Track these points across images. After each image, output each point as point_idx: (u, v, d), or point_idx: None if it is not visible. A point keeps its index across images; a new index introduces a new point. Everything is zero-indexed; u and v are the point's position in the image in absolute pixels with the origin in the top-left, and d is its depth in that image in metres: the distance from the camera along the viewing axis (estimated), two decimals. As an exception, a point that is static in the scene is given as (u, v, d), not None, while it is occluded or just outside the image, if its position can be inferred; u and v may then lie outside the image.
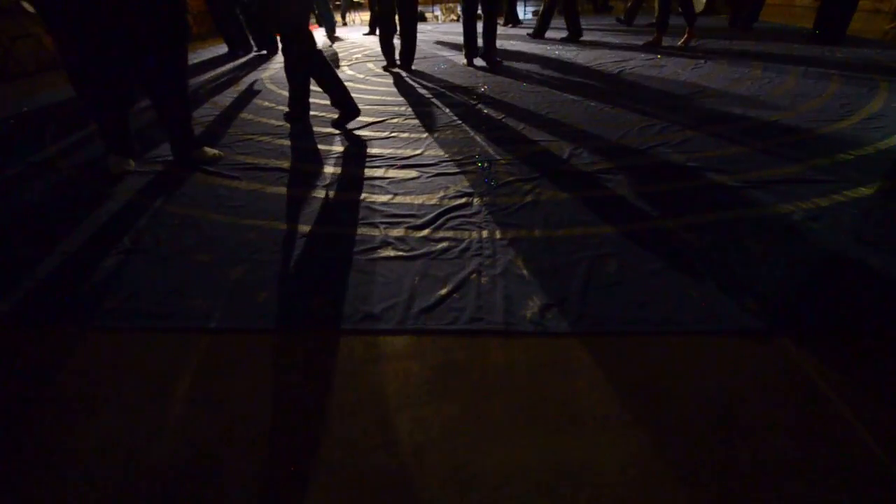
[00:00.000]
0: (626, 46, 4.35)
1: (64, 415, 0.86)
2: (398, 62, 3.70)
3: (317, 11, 5.54)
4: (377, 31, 4.19)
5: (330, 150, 2.06)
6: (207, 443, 0.79)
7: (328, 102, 2.35)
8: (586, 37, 4.83)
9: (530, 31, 5.18)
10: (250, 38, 4.60)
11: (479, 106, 2.63)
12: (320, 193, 1.66)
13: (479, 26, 3.61)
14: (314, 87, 2.33)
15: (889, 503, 0.67)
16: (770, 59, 3.48)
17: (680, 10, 4.12)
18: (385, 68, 3.72)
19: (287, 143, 2.17)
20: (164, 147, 2.11)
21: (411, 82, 3.29)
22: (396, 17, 3.50)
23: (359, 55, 4.47)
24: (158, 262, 1.29)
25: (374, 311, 1.07)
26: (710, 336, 0.97)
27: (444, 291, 1.13)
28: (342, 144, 2.13)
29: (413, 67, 3.76)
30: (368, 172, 1.81)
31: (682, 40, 4.21)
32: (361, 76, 3.56)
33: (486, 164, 1.84)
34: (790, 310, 1.02)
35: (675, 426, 0.79)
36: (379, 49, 3.92)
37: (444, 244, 1.32)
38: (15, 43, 3.87)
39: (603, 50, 4.24)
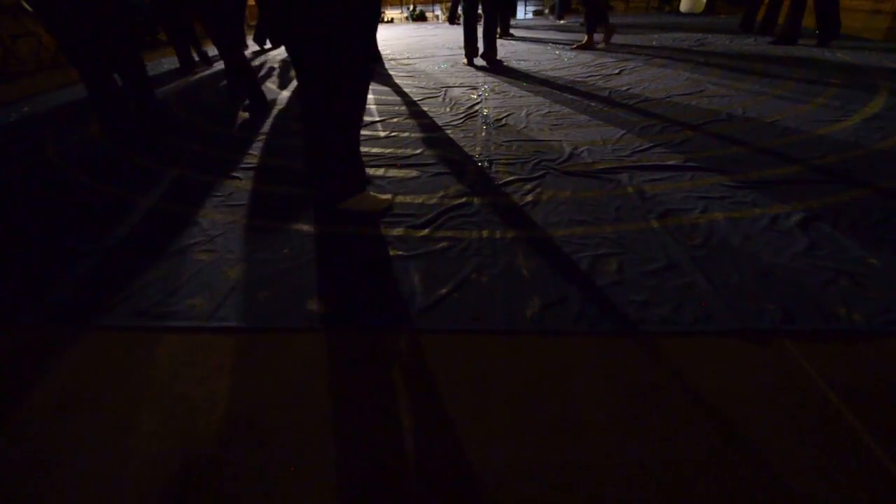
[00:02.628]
0: (625, 46, 4.34)
1: (63, 414, 0.86)
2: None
3: None
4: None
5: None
6: (207, 442, 0.79)
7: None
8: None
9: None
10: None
11: (480, 105, 2.63)
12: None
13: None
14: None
15: (889, 503, 0.67)
16: (770, 59, 3.48)
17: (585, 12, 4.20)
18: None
19: (286, 141, 2.17)
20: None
21: (411, 82, 3.29)
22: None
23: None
24: (158, 260, 1.29)
25: (374, 311, 1.07)
26: (710, 336, 0.97)
27: (444, 291, 1.13)
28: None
29: (414, 66, 3.76)
30: (368, 172, 1.81)
31: (578, 45, 4.28)
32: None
33: (486, 164, 1.84)
34: (790, 310, 1.02)
35: (675, 426, 0.79)
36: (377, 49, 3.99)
37: (445, 244, 1.32)
38: (16, 42, 3.87)
39: (603, 49, 4.24)
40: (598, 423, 0.80)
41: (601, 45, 4.31)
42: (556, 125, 2.27)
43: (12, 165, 2.01)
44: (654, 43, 4.45)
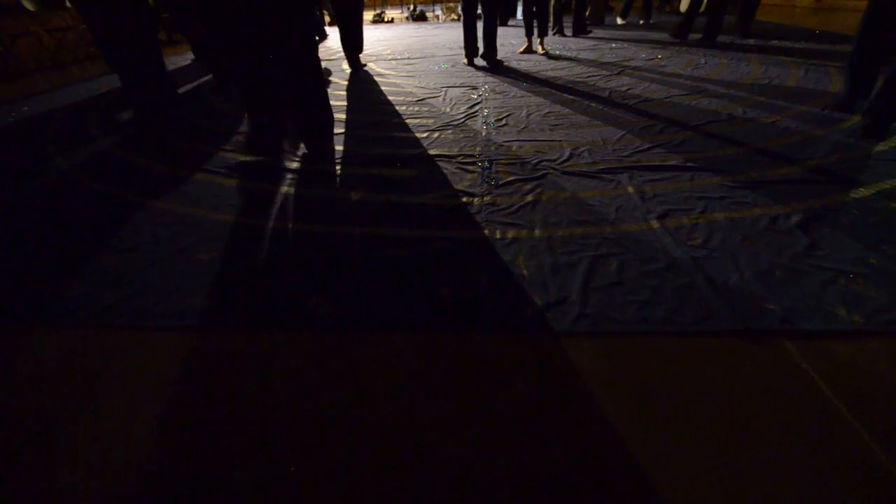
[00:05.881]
0: (626, 46, 4.35)
1: (63, 414, 0.85)
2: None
3: None
4: None
5: (329, 150, 2.06)
6: (207, 442, 0.79)
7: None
8: (588, 36, 4.84)
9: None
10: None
11: (480, 105, 2.64)
12: (320, 192, 1.66)
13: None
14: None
15: (889, 503, 0.67)
16: (770, 60, 3.48)
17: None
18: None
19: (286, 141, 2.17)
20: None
21: (411, 81, 3.29)
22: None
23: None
24: (157, 260, 1.29)
25: (374, 310, 1.07)
26: (710, 336, 0.97)
27: (444, 291, 1.12)
28: (342, 144, 2.13)
29: (414, 66, 3.76)
30: (369, 171, 1.81)
31: (523, 48, 4.28)
32: (361, 75, 3.56)
33: (486, 164, 1.84)
34: (790, 310, 1.02)
35: (675, 426, 0.79)
36: (376, 49, 3.97)
37: (444, 244, 1.32)
38: (16, 41, 3.86)
39: (604, 50, 4.24)
40: (597, 423, 0.80)
41: (520, 50, 4.30)
42: (557, 125, 2.27)
43: (10, 165, 2.00)
44: (654, 43, 4.45)
